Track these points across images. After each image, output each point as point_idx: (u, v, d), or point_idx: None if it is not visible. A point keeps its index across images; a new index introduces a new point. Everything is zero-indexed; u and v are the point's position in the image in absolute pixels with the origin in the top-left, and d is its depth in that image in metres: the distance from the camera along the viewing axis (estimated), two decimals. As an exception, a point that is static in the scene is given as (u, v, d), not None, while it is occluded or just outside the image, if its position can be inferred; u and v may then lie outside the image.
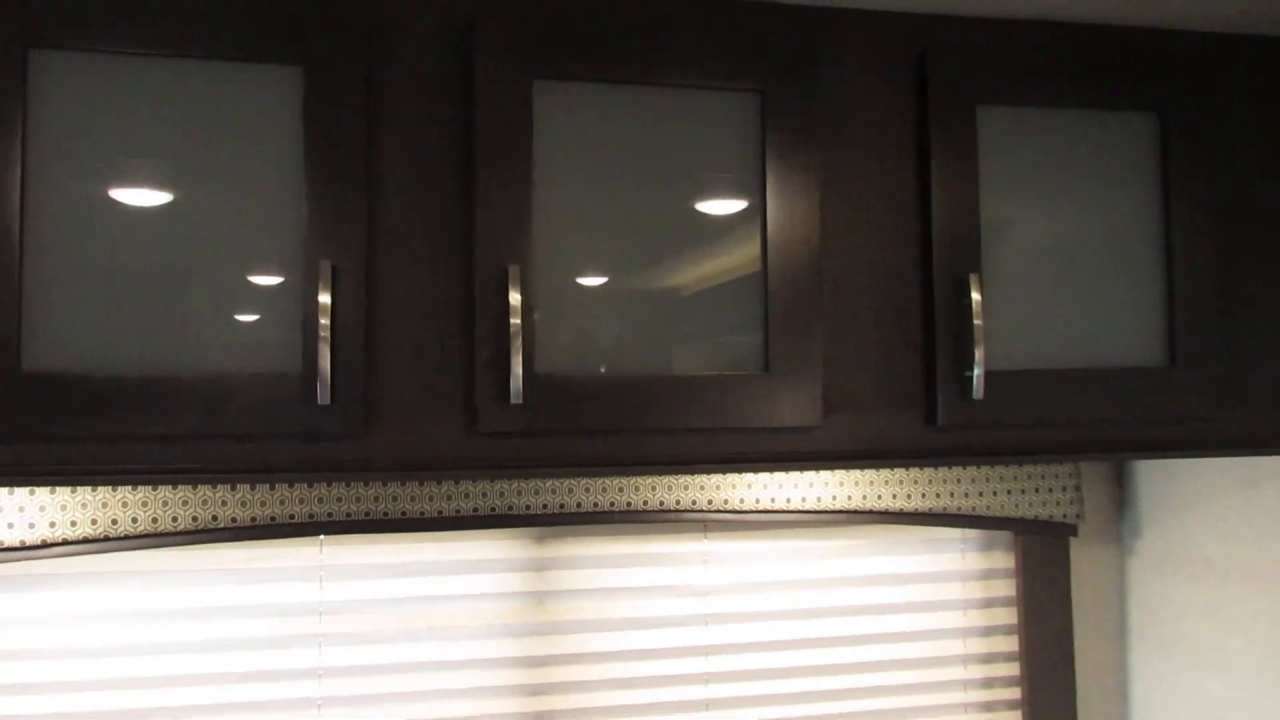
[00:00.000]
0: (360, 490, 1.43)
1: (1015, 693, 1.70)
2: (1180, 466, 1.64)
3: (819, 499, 1.58)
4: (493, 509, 1.47)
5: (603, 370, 1.15)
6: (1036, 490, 1.66)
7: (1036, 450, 1.28)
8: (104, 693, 1.41)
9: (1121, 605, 1.75)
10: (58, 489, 1.34)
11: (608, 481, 1.50)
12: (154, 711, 1.42)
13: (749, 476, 1.56)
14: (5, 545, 1.32)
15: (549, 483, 1.49)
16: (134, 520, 1.36)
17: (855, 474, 1.59)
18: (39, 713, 1.39)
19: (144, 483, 1.06)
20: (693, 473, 1.23)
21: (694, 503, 1.54)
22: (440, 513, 1.45)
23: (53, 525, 1.34)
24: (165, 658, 1.42)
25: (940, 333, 1.23)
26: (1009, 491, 1.64)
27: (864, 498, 1.60)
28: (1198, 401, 1.31)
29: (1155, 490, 1.69)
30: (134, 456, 1.05)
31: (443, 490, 1.45)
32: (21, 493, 1.34)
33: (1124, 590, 1.75)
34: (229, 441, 1.06)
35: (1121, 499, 1.75)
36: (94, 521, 1.35)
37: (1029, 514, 1.65)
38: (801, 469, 1.22)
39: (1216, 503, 1.57)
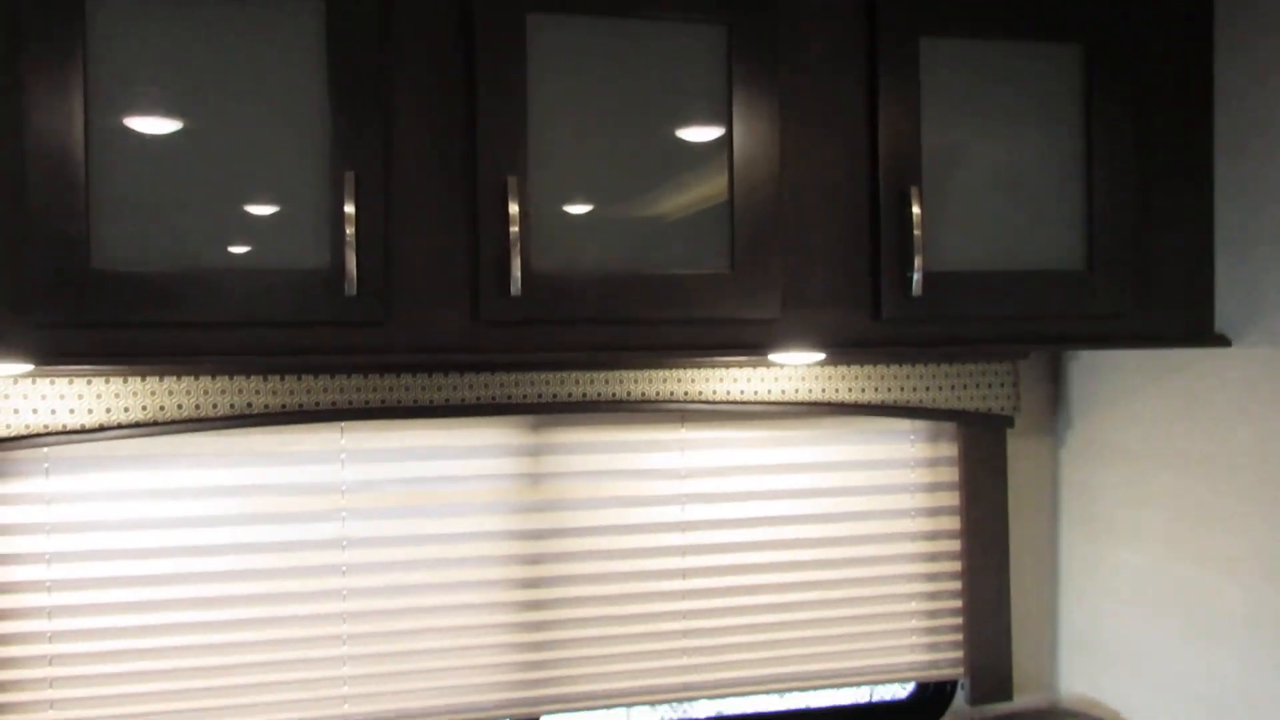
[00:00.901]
0: (376, 381, 1.61)
1: (956, 565, 1.92)
2: (1105, 365, 1.83)
3: (783, 391, 1.77)
4: (493, 398, 1.66)
5: (590, 268, 1.32)
6: (978, 386, 1.85)
7: (968, 341, 1.48)
8: (154, 560, 1.61)
9: (1053, 489, 1.97)
10: (112, 379, 1.53)
11: (595, 374, 1.69)
12: (198, 576, 1.62)
13: (720, 371, 1.75)
14: (68, 428, 1.51)
15: (543, 375, 1.68)
16: (179, 407, 1.55)
17: (815, 370, 1.78)
18: (97, 577, 1.59)
19: (195, 363, 1.24)
20: (668, 357, 1.41)
21: (672, 394, 1.73)
22: (447, 401, 1.64)
23: (108, 411, 1.53)
24: (207, 529, 1.62)
25: (884, 239, 1.42)
26: (953, 387, 1.84)
27: (823, 391, 1.79)
28: (1112, 301, 1.51)
29: (1085, 388, 1.89)
30: (187, 341, 1.23)
31: (449, 381, 1.64)
32: (80, 382, 1.52)
33: (1056, 476, 1.96)
34: (270, 328, 1.25)
35: (1056, 396, 1.95)
36: (144, 408, 1.54)
37: (970, 407, 1.85)
38: (763, 354, 1.40)
39: (1134, 396, 1.77)
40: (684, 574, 1.81)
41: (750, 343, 1.39)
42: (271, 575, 1.65)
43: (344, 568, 1.68)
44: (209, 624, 1.63)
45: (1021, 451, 1.94)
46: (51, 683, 1.58)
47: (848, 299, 1.43)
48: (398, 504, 1.69)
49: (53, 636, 1.58)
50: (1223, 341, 1.55)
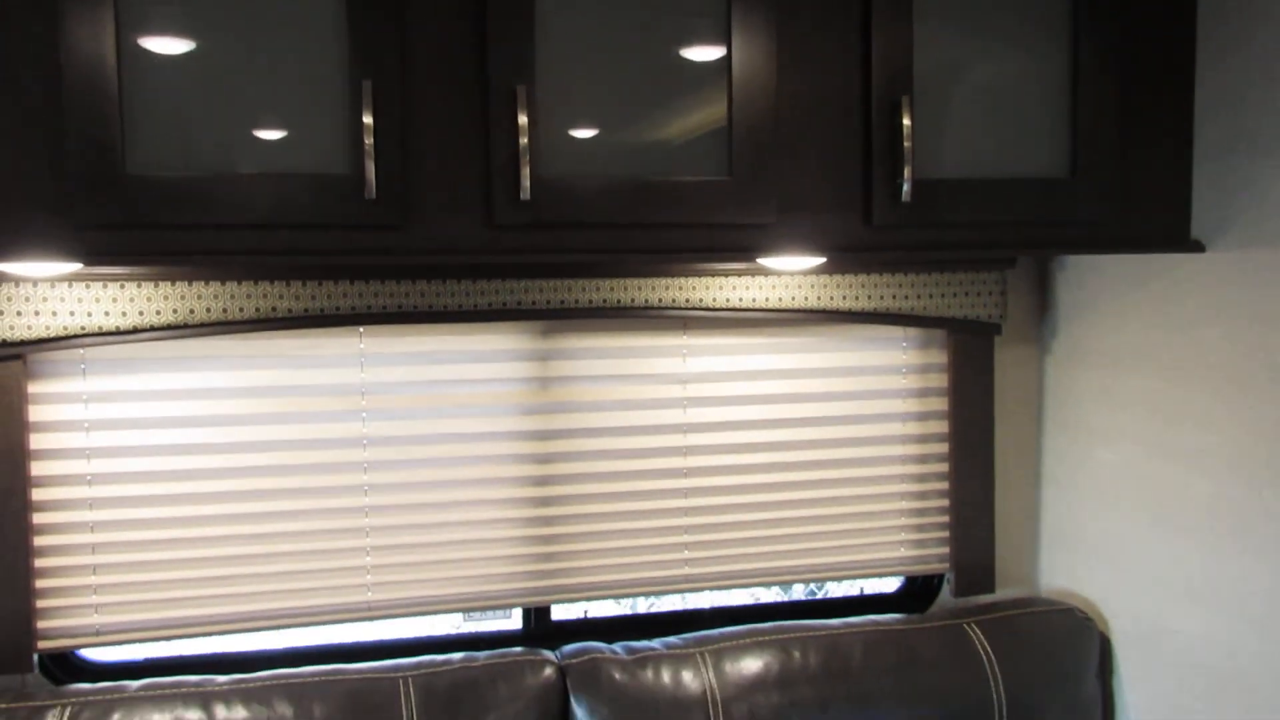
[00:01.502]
0: (394, 287, 1.70)
1: (944, 467, 2.02)
2: (1089, 274, 1.91)
3: (780, 299, 1.86)
4: (505, 304, 1.75)
5: (596, 175, 1.39)
6: (967, 294, 1.93)
7: (956, 246, 1.55)
8: (186, 456, 1.71)
9: (1038, 394, 2.06)
10: (144, 284, 1.61)
11: (601, 281, 1.78)
12: (228, 472, 1.73)
13: (720, 280, 1.83)
14: (103, 330, 1.60)
15: (552, 282, 1.76)
16: (207, 310, 1.64)
17: (810, 278, 1.86)
18: (133, 471, 1.69)
19: (223, 263, 1.31)
20: (669, 261, 1.49)
21: (674, 301, 1.81)
22: (460, 307, 1.73)
23: (141, 314, 1.62)
24: (236, 428, 1.72)
25: (876, 148, 1.48)
26: (943, 295, 1.92)
27: (818, 299, 1.87)
28: (1094, 208, 1.58)
29: (1070, 296, 1.96)
30: (215, 242, 1.31)
31: (463, 288, 1.72)
32: (114, 286, 1.60)
33: (1041, 381, 2.05)
34: (293, 230, 1.32)
35: (1042, 304, 2.03)
36: (174, 311, 1.63)
37: (959, 314, 1.93)
38: (759, 257, 1.48)
39: (1115, 303, 1.85)
40: (685, 473, 1.92)
41: (747, 246, 1.47)
42: (297, 472, 1.75)
43: (365, 465, 1.78)
44: (240, 516, 1.74)
45: (1008, 358, 2.03)
46: (95, 569, 1.70)
47: (840, 205, 1.50)
48: (415, 405, 1.79)
49: (94, 526, 1.69)
50: (1197, 247, 1.62)
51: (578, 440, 1.86)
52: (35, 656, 1.67)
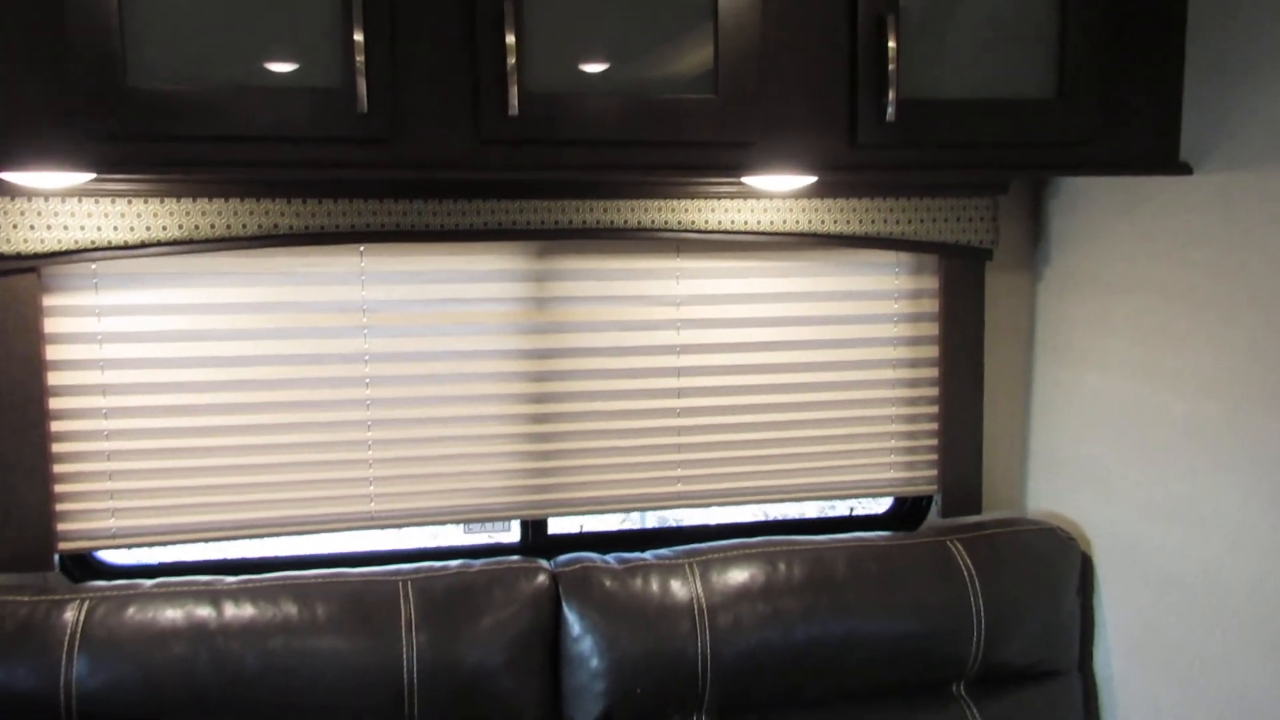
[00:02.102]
0: (391, 205, 1.74)
1: (934, 391, 2.06)
2: (1082, 201, 1.92)
3: (771, 223, 1.89)
4: (499, 224, 1.79)
5: (583, 93, 1.42)
6: (959, 219, 1.95)
7: (941, 167, 1.57)
8: (195, 369, 1.78)
9: (1029, 320, 2.08)
10: (150, 200, 1.67)
11: (594, 202, 1.81)
12: (236, 384, 1.79)
13: (712, 202, 1.86)
14: (113, 244, 1.66)
15: (545, 202, 1.79)
16: (211, 227, 1.69)
17: (803, 202, 1.89)
18: (145, 382, 1.77)
19: (221, 173, 1.36)
20: (655, 177, 1.52)
21: (666, 223, 1.85)
22: (456, 226, 1.77)
23: (148, 229, 1.67)
24: (242, 342, 1.79)
25: (861, 67, 1.50)
26: (934, 220, 1.94)
27: (809, 223, 1.90)
28: (1080, 129, 1.59)
29: (1063, 223, 1.98)
30: (215, 153, 1.35)
31: (458, 207, 1.76)
32: (121, 202, 1.66)
33: (1032, 308, 2.08)
34: (288, 143, 1.37)
35: (1035, 231, 2.05)
36: (180, 227, 1.69)
37: (951, 239, 1.96)
38: (744, 175, 1.51)
39: (1105, 229, 1.86)
40: (678, 393, 1.97)
41: (732, 165, 1.50)
42: (301, 385, 1.82)
43: (367, 380, 1.85)
44: (247, 426, 1.81)
45: (1000, 285, 2.05)
46: (111, 475, 1.78)
47: (825, 125, 1.52)
48: (414, 323, 1.84)
49: (109, 435, 1.77)
50: (1185, 169, 1.63)
51: (573, 359, 1.92)
52: (56, 557, 1.76)
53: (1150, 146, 1.64)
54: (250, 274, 1.78)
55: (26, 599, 1.62)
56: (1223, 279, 1.61)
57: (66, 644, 1.57)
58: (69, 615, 1.60)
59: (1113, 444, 1.86)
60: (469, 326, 1.87)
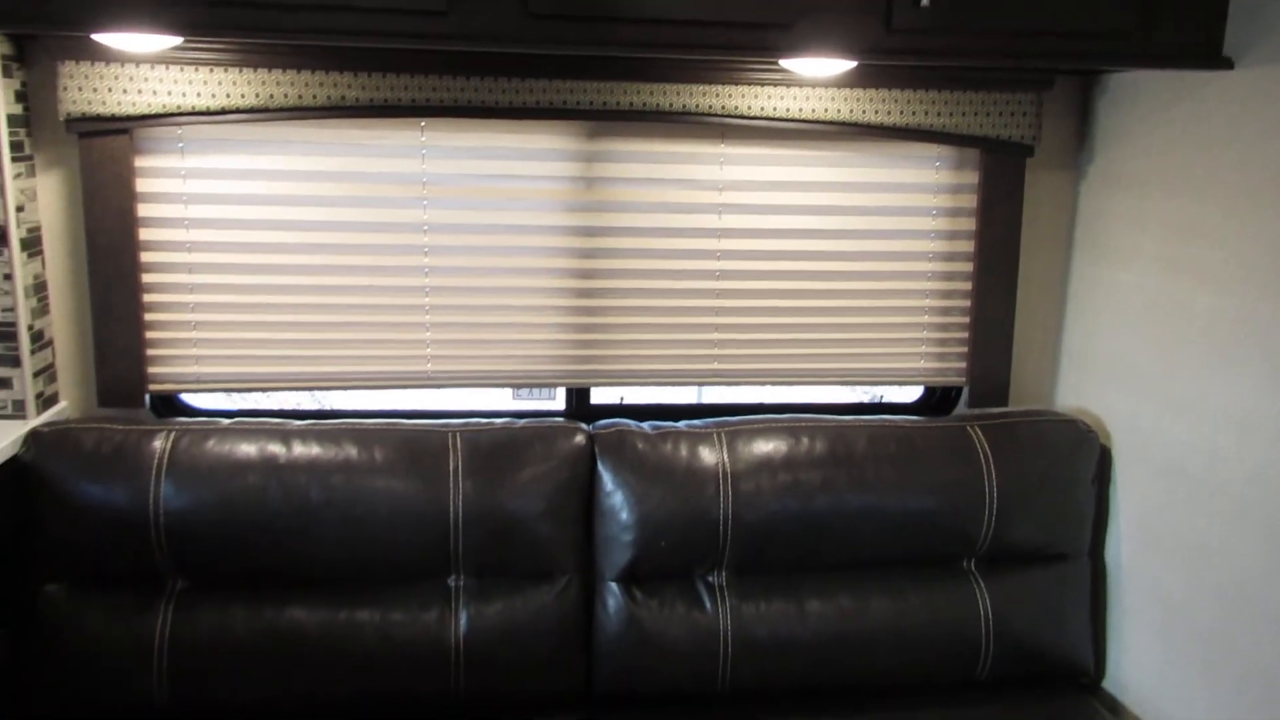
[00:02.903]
0: (450, 81, 1.85)
1: (968, 285, 2.11)
2: (1126, 99, 1.93)
3: (813, 111, 1.94)
4: (550, 103, 1.88)
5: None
6: (1001, 114, 1.98)
7: (977, 54, 1.61)
8: (269, 232, 1.93)
9: (1069, 218, 2.11)
10: (230, 69, 1.80)
11: (640, 85, 1.89)
12: (307, 247, 1.95)
13: (756, 89, 1.92)
14: (196, 109, 1.81)
15: (595, 83, 1.88)
16: (285, 96, 1.82)
17: (845, 91, 1.94)
18: (222, 241, 1.93)
19: (291, 38, 1.48)
20: (694, 57, 1.59)
21: (710, 108, 1.92)
22: (510, 103, 1.87)
23: (228, 96, 1.81)
24: (311, 208, 1.93)
25: (900, -49, 1.54)
26: (976, 114, 1.97)
27: (851, 112, 1.95)
28: (1120, 19, 1.60)
29: (1108, 120, 1.99)
30: (288, 21, 1.47)
31: (511, 85, 1.86)
32: (204, 70, 1.80)
33: (1073, 206, 2.10)
34: (356, 13, 1.47)
35: (1080, 129, 2.06)
36: (256, 95, 1.82)
37: (993, 134, 1.99)
38: (780, 56, 1.57)
39: (1147, 126, 1.87)
40: (717, 275, 2.06)
41: (772, 45, 1.56)
42: (365, 251, 1.97)
43: (426, 249, 1.98)
44: (317, 287, 1.97)
45: (1040, 182, 2.08)
46: (194, 325, 1.96)
47: (862, 8, 1.56)
48: (471, 196, 1.96)
49: (192, 289, 1.94)
50: (1226, 64, 1.64)
51: (619, 239, 2.02)
52: (146, 396, 1.96)
53: (1193, 40, 1.65)
54: (320, 143, 1.91)
55: (121, 428, 1.82)
56: (1256, 173, 1.62)
57: (155, 468, 1.77)
58: (158, 444, 1.80)
59: (1139, 340, 1.91)
60: (522, 202, 1.98)
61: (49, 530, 1.77)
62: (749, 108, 1.93)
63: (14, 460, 1.77)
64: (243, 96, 1.82)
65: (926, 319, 2.13)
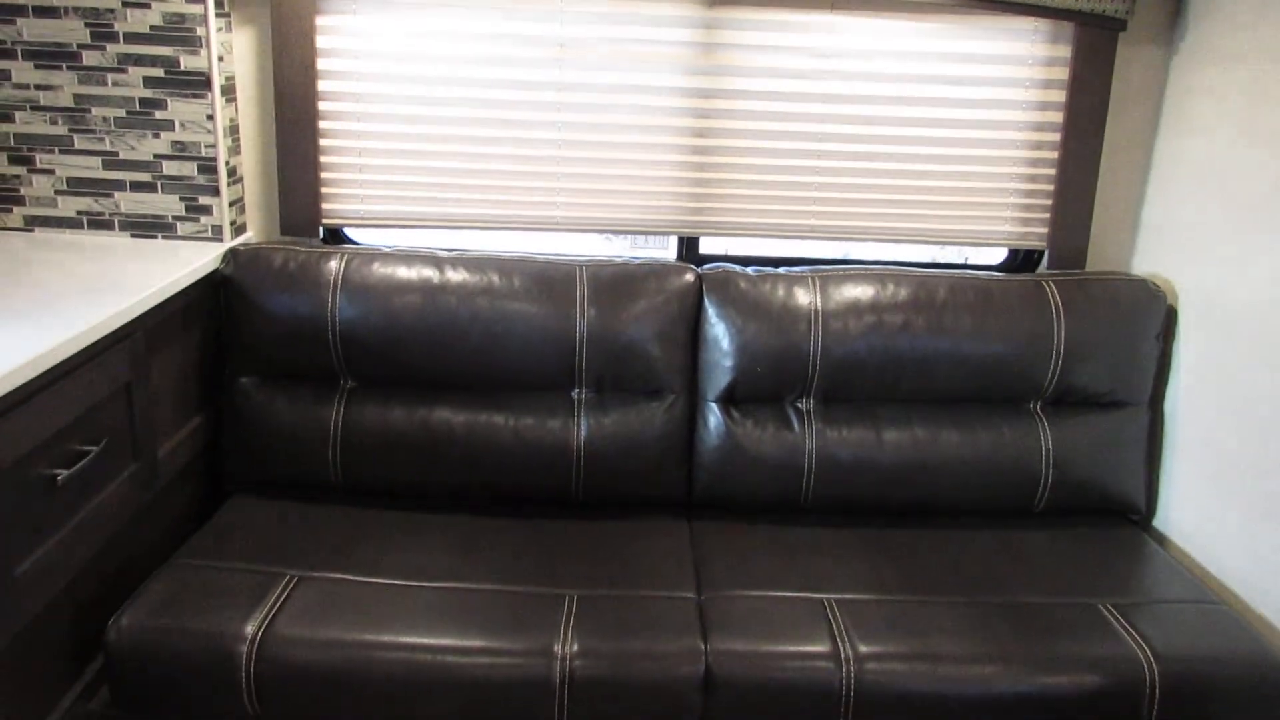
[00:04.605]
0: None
1: (1054, 155, 2.27)
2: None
3: (918, -18, 2.11)
4: (677, -29, 2.10)
5: None
6: (1096, -11, 2.11)
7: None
8: (425, 85, 2.21)
9: (1158, 92, 2.24)
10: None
11: (759, -44, 2.09)
12: (456, 100, 2.22)
13: (866, -39, 2.09)
14: (370, -27, 2.09)
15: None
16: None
17: (949, -35, 2.09)
18: (387, 93, 2.22)
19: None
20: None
21: (822, -23, 2.11)
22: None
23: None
24: (462, 65, 2.20)
25: None
26: (1072, -12, 2.11)
27: (953, -16, 2.11)
28: (1212, -104, 1.73)
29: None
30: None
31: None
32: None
33: (1162, 82, 2.23)
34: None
35: (1173, 5, 2.17)
36: (421, -38, 2.08)
37: (1086, 8, 2.12)
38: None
39: (1244, 2, 1.98)
40: (820, 138, 2.27)
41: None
42: (508, 106, 2.23)
43: (559, 105, 2.24)
44: (466, 138, 2.25)
45: (1131, 56, 2.21)
46: (361, 169, 2.27)
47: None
48: (602, 59, 2.20)
49: (361, 135, 2.25)
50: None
51: (732, 100, 2.24)
52: (320, 229, 2.29)
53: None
54: (474, 6, 2.16)
55: (304, 249, 2.15)
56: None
57: (332, 284, 2.10)
58: (334, 264, 2.13)
59: (1212, 208, 2.06)
60: (647, 65, 2.21)
61: (244, 333, 2.12)
62: (858, -22, 2.11)
63: (215, 273, 2.12)
64: (409, -39, 2.08)
65: (1013, 185, 2.31)
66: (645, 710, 1.65)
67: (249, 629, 1.65)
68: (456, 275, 2.12)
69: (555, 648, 1.65)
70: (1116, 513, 2.20)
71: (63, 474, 1.54)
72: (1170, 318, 2.18)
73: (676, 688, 1.65)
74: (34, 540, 1.51)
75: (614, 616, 1.73)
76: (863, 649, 1.69)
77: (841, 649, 1.68)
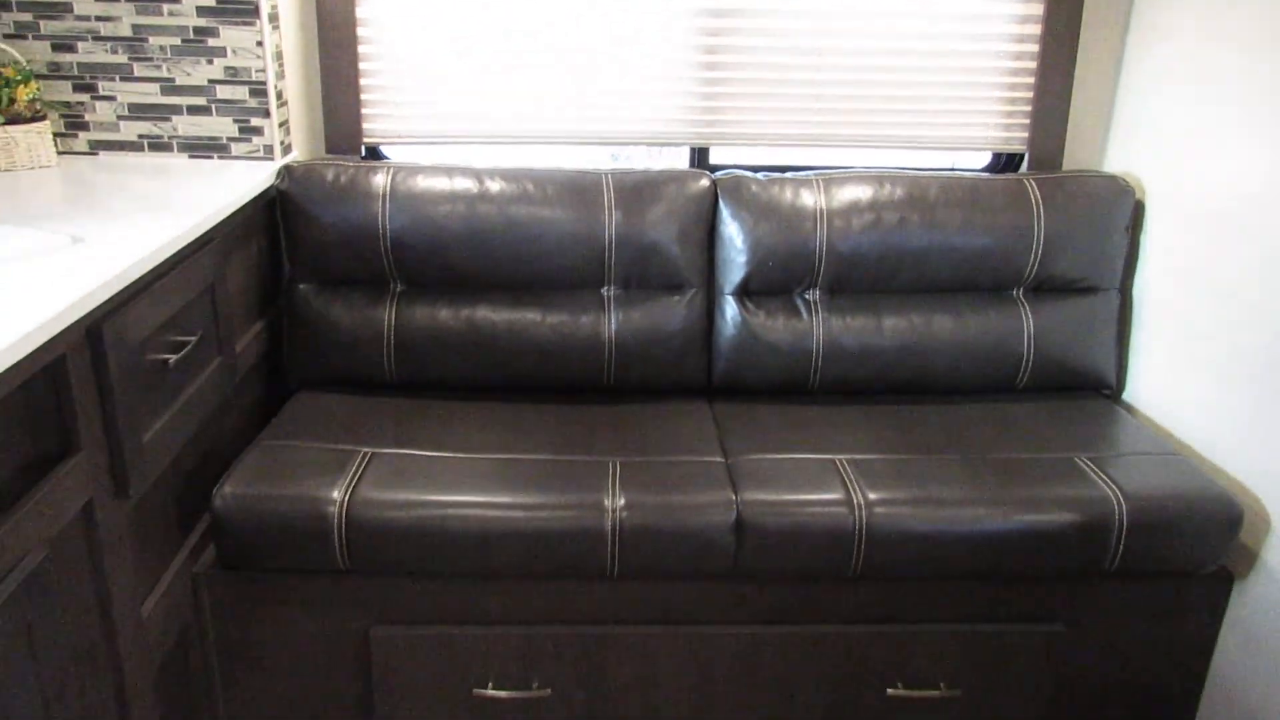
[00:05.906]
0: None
1: (1032, 64, 2.49)
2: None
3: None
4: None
5: None
6: (1072, -93, 2.31)
7: None
8: (451, 11, 2.39)
9: (1128, 3, 2.46)
10: None
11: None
12: (477, 17, 2.41)
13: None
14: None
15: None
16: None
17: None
18: (417, 19, 2.39)
19: None
20: None
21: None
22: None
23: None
24: (491, -9, 2.39)
25: None
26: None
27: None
28: None
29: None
30: None
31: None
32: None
33: (1131, -6, 2.45)
34: None
35: (1144, -77, 2.38)
36: (453, -107, 2.25)
37: (1063, -74, 2.33)
38: None
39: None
40: (819, 52, 2.47)
41: None
42: (529, 30, 2.42)
43: (576, 17, 2.42)
44: (487, 60, 2.44)
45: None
46: (398, 89, 2.45)
47: None
48: (619, -19, 2.40)
49: (398, 58, 2.42)
50: None
51: (737, 19, 2.43)
52: (362, 147, 2.48)
53: None
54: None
55: (353, 164, 2.35)
56: (1277, -46, 1.96)
57: (381, 195, 2.30)
58: (381, 178, 2.32)
59: (1179, 107, 2.28)
60: (660, -13, 2.40)
61: (300, 243, 2.32)
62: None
63: (271, 189, 2.31)
64: (443, -107, 2.25)
65: (996, 94, 2.52)
66: (685, 552, 1.91)
67: (336, 494, 1.89)
68: (495, 185, 2.33)
69: (605, 502, 1.90)
70: (1091, 387, 2.46)
71: (172, 358, 1.76)
72: (1139, 210, 2.42)
73: (711, 533, 1.90)
74: (153, 415, 1.73)
75: (653, 476, 1.98)
76: (871, 496, 1.94)
77: (853, 496, 1.94)
